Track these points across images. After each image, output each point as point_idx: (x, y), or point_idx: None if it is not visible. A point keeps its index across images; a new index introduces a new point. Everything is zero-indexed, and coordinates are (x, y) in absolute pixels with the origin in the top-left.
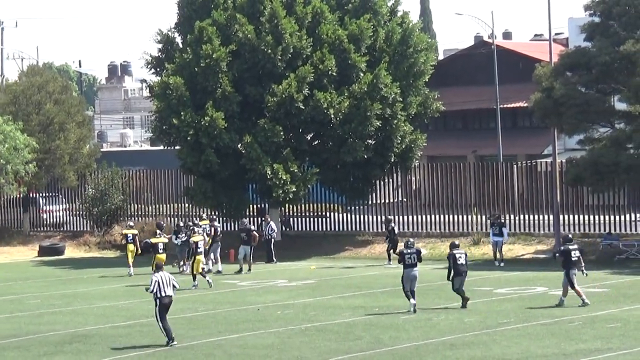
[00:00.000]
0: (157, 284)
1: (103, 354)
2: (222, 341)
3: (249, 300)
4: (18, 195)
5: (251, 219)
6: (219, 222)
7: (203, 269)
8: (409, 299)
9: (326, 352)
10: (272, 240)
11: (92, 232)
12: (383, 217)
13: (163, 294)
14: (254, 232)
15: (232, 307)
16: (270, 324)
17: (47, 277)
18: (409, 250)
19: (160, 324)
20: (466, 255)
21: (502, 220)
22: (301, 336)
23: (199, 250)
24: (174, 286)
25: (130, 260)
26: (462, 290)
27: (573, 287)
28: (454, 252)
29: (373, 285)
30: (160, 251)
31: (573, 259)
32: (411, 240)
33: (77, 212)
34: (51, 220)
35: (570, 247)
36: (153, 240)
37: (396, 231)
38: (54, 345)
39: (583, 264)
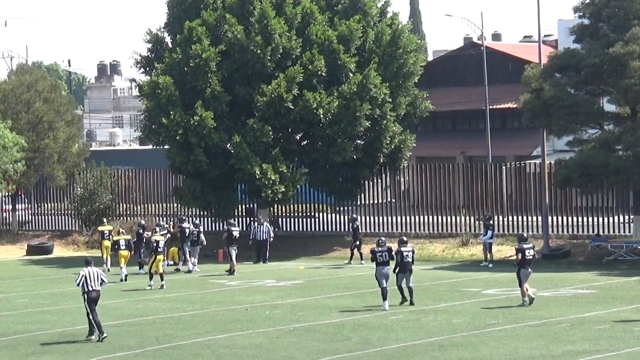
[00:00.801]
0: (84, 278)
1: (91, 354)
2: (210, 341)
3: (238, 300)
4: (6, 194)
5: (240, 219)
6: (188, 223)
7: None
8: (384, 298)
9: (314, 352)
10: (268, 241)
11: (81, 231)
12: (370, 218)
13: (90, 288)
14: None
15: (220, 307)
16: (258, 324)
17: (36, 276)
18: (380, 249)
19: (91, 317)
20: (413, 252)
21: (492, 222)
22: (289, 336)
23: (159, 249)
24: (102, 281)
25: (105, 255)
26: (401, 288)
27: (520, 285)
28: (402, 249)
29: (361, 285)
30: (123, 247)
31: (527, 257)
32: (382, 239)
33: (66, 212)
34: (10, 219)
35: (525, 246)
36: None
37: (360, 230)
38: (42, 345)
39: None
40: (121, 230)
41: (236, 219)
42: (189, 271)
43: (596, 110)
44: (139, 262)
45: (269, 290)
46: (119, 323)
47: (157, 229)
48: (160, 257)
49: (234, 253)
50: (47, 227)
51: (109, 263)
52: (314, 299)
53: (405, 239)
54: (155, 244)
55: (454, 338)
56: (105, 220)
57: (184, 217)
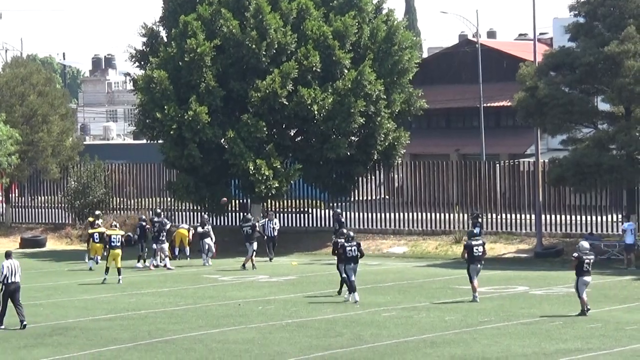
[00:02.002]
0: (7, 269)
1: (83, 347)
2: (203, 336)
3: (230, 295)
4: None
5: (234, 214)
6: (168, 219)
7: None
8: (353, 290)
9: (307, 348)
10: (276, 237)
11: (74, 224)
12: (364, 214)
13: (9, 281)
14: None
15: (213, 301)
16: (251, 319)
17: (28, 269)
18: (350, 244)
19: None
20: (359, 245)
21: (480, 220)
22: (282, 332)
23: (112, 244)
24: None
25: (93, 254)
26: (348, 279)
27: (471, 281)
28: (345, 243)
29: None
30: (96, 240)
31: (475, 254)
32: (352, 234)
33: (59, 205)
34: (4, 212)
35: (474, 242)
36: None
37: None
38: (34, 338)
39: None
40: (114, 222)
41: (230, 214)
42: (167, 267)
43: (590, 109)
44: (139, 256)
45: (262, 286)
46: (112, 317)
47: (114, 222)
48: (117, 251)
49: (251, 249)
50: (40, 220)
51: (98, 259)
52: (307, 295)
53: (352, 234)
54: (108, 238)
55: (447, 335)
56: (99, 222)
57: (158, 211)
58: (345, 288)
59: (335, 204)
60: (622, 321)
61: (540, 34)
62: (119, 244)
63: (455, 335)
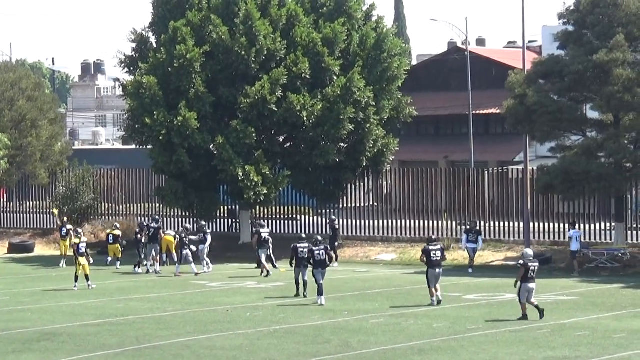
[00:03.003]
0: None
1: (71, 353)
2: (190, 342)
3: (218, 301)
4: None
5: (222, 220)
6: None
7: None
8: (304, 289)
9: (295, 354)
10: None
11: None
12: (352, 221)
13: None
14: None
15: (201, 307)
16: (239, 325)
17: (17, 274)
18: (318, 248)
19: None
20: (327, 249)
21: (479, 228)
22: (270, 338)
23: (80, 252)
24: None
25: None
26: (306, 282)
27: (429, 285)
28: (313, 247)
29: (342, 288)
30: (111, 242)
31: (433, 258)
32: (320, 238)
33: (48, 210)
34: None
35: (431, 247)
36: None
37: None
38: (22, 343)
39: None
40: (79, 230)
41: (218, 220)
42: (148, 271)
43: (579, 117)
44: (138, 262)
45: (250, 292)
46: (100, 322)
47: (79, 230)
48: (83, 259)
49: (263, 256)
50: (28, 225)
51: (111, 261)
52: (295, 301)
53: (320, 238)
54: (75, 247)
55: (434, 342)
56: (80, 230)
57: (157, 217)
58: (302, 288)
59: (331, 211)
60: (610, 329)
61: (530, 41)
62: (84, 252)
63: (443, 343)
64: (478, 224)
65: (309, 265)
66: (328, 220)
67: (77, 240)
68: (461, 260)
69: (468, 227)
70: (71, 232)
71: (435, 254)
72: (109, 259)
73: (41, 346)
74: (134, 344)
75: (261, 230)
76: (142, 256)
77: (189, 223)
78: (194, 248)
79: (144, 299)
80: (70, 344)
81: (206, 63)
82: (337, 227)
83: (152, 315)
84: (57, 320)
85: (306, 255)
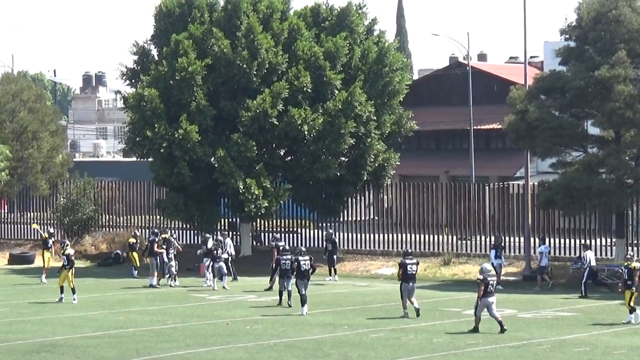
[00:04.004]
0: None
1: None
2: (190, 354)
3: (218, 314)
4: None
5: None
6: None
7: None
8: (288, 299)
9: None
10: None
11: (63, 241)
12: (353, 235)
13: None
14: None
15: (201, 320)
16: (239, 338)
17: (17, 285)
18: (303, 258)
19: None
20: (311, 259)
21: (503, 244)
22: (270, 352)
23: (67, 263)
24: None
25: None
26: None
27: (402, 298)
28: (299, 257)
29: (342, 302)
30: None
31: (409, 272)
32: (303, 249)
33: (48, 222)
34: None
35: (408, 261)
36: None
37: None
38: (22, 355)
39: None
40: (66, 242)
41: (219, 233)
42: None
43: (580, 133)
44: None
45: (250, 305)
46: (100, 334)
47: (67, 241)
48: (70, 270)
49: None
50: (29, 236)
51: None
52: (295, 315)
53: (303, 249)
54: (65, 258)
55: (434, 357)
56: (67, 242)
57: (156, 230)
58: (285, 298)
59: (328, 225)
60: (609, 345)
61: (531, 57)
62: (72, 263)
63: (443, 358)
64: (502, 240)
65: (292, 277)
66: (326, 234)
67: (68, 251)
68: (461, 275)
69: (494, 242)
70: (57, 243)
71: (411, 268)
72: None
73: (41, 357)
74: (133, 356)
75: (279, 244)
76: (170, 269)
77: (219, 235)
78: (222, 263)
79: (144, 311)
80: (70, 356)
81: (208, 76)
82: (335, 240)
83: (152, 327)
84: (57, 331)
85: (288, 267)
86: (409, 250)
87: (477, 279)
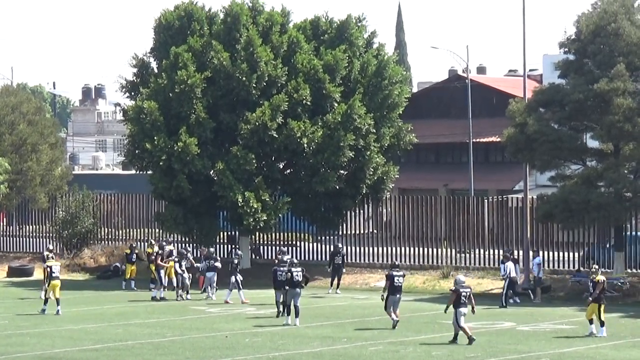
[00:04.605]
0: None
1: None
2: None
3: (217, 327)
4: None
5: (222, 246)
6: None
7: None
8: (288, 313)
9: None
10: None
11: (62, 254)
12: (352, 248)
13: None
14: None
15: (200, 333)
16: (238, 351)
17: (16, 298)
18: (295, 269)
19: None
20: (304, 270)
21: (513, 257)
22: None
23: (53, 274)
24: None
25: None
26: (293, 304)
27: (385, 308)
28: (291, 269)
29: (341, 315)
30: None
31: (395, 284)
32: (295, 261)
33: (47, 234)
34: None
35: (395, 273)
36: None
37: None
38: None
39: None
40: (50, 255)
41: (218, 246)
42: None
43: (579, 146)
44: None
45: (249, 318)
46: (99, 347)
47: (50, 254)
48: (56, 282)
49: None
50: (28, 249)
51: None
52: (294, 328)
53: (296, 261)
54: (49, 270)
55: None
56: (52, 255)
57: (152, 242)
58: (288, 311)
59: (336, 238)
60: (608, 358)
61: (530, 70)
62: (59, 274)
63: None
64: (512, 252)
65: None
66: (333, 248)
67: (51, 263)
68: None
69: (512, 256)
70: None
71: (398, 280)
72: (132, 282)
73: None
74: None
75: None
76: (184, 282)
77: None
78: (240, 277)
79: (142, 324)
80: None
81: (207, 89)
82: (344, 254)
83: (150, 340)
84: (56, 344)
85: (284, 279)
86: (397, 263)
87: (450, 289)
